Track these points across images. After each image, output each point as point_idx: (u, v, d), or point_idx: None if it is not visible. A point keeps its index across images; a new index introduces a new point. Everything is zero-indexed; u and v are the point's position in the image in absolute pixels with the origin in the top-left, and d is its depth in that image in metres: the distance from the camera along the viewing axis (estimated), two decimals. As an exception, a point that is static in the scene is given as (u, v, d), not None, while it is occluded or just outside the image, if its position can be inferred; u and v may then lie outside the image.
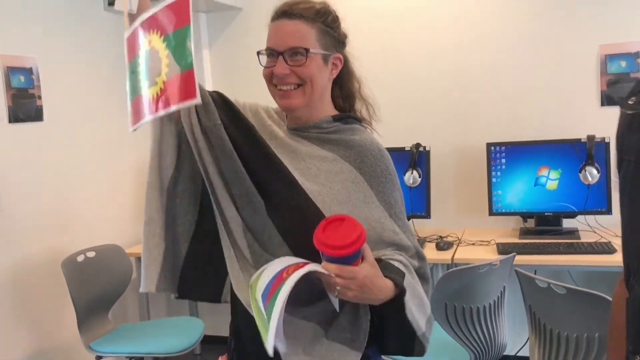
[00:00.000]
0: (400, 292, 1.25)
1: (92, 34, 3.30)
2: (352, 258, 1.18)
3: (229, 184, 1.35)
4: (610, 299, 1.17)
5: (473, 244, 2.93)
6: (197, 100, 1.08)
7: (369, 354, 1.34)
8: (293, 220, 1.31)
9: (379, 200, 1.37)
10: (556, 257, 2.64)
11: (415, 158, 3.07)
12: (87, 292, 2.87)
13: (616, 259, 2.55)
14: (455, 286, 2.30)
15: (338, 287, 1.17)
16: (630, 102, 1.03)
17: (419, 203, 3.12)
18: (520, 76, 3.18)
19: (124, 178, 3.51)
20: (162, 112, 1.12)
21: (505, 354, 2.56)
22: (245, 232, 1.36)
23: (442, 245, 2.86)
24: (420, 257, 1.39)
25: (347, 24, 1.44)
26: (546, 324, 2.13)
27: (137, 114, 1.17)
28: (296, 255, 1.28)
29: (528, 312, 2.23)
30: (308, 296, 1.27)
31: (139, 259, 3.28)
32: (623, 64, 3.01)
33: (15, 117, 2.80)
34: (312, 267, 1.17)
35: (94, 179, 3.29)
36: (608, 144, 2.88)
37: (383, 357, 1.41)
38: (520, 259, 2.59)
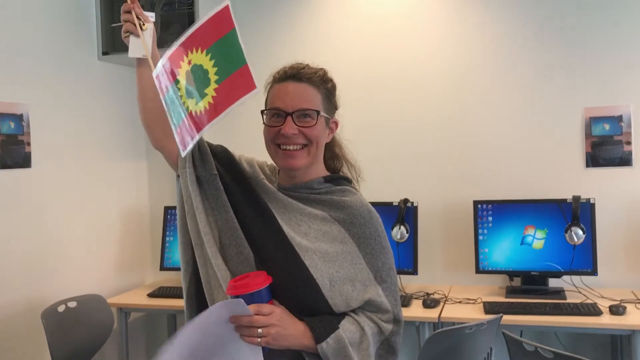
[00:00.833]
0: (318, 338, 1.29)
1: (85, 83, 3.32)
2: (266, 297, 1.27)
3: (220, 234, 1.37)
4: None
5: (460, 302, 2.91)
6: (258, 89, 1.28)
7: None
8: (280, 276, 1.32)
9: (365, 262, 1.39)
10: (543, 318, 2.63)
11: (403, 213, 3.08)
12: (66, 344, 2.79)
13: (603, 321, 2.55)
14: (442, 347, 2.27)
15: (260, 330, 1.22)
16: None
17: (407, 259, 3.12)
18: (507, 136, 3.23)
19: (108, 228, 3.48)
20: (222, 114, 1.27)
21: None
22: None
23: (429, 302, 2.84)
24: (397, 321, 1.41)
25: (339, 76, 1.52)
26: (533, 388, 2.10)
27: (186, 137, 1.25)
28: None
29: (515, 375, 2.20)
30: None
31: (120, 309, 3.24)
32: (607, 126, 3.08)
33: (2, 163, 2.78)
34: (231, 305, 1.23)
35: (78, 227, 3.25)
36: (593, 204, 2.91)
37: None
38: (506, 318, 2.57)
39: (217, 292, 1.34)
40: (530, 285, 3.02)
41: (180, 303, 2.43)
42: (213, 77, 1.26)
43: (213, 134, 1.36)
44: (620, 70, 3.06)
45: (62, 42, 3.17)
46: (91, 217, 3.35)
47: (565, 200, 2.95)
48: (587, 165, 3.12)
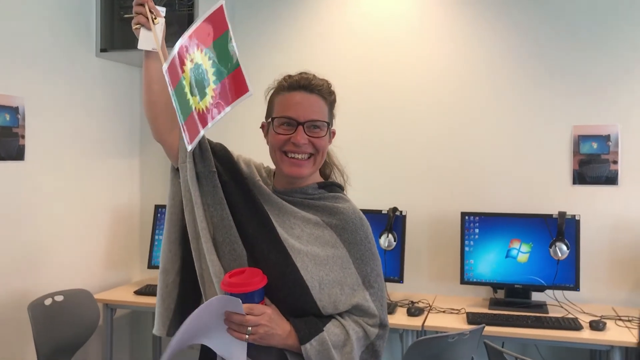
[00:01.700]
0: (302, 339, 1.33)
1: (83, 78, 3.34)
2: (258, 297, 1.31)
3: (214, 230, 1.39)
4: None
5: (444, 312, 2.95)
6: (250, 92, 1.25)
7: None
8: (271, 276, 1.35)
9: (355, 267, 1.42)
10: (524, 331, 2.67)
11: (392, 222, 3.12)
12: (51, 337, 2.80)
13: (583, 335, 2.60)
14: (425, 354, 2.31)
15: (250, 328, 1.27)
16: None
17: (393, 267, 3.16)
18: (497, 150, 3.28)
19: (98, 223, 3.49)
20: (219, 115, 1.27)
21: None
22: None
23: (414, 311, 2.88)
24: (383, 326, 1.45)
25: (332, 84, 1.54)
26: (512, 398, 2.14)
27: (192, 132, 1.26)
28: None
29: (495, 385, 2.24)
30: None
31: (107, 305, 3.25)
32: (595, 145, 3.14)
33: (-4, 154, 2.80)
34: (227, 302, 1.26)
35: (69, 222, 3.27)
36: (578, 221, 2.97)
37: None
38: (489, 329, 2.61)
39: (208, 286, 1.37)
40: (513, 297, 3.06)
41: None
42: (211, 78, 1.27)
43: (212, 133, 1.38)
44: (609, 91, 3.12)
45: (61, 37, 3.19)
46: (82, 212, 3.36)
47: (551, 215, 3.00)
48: (574, 183, 3.17)
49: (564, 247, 2.88)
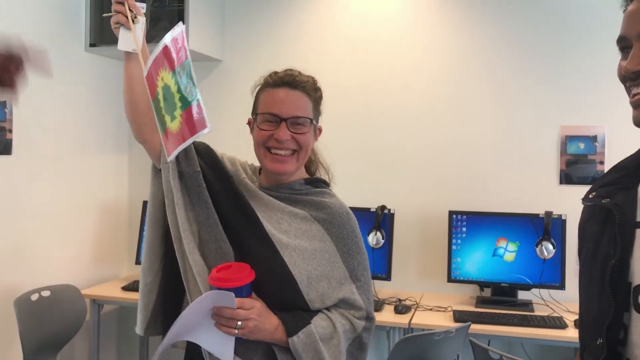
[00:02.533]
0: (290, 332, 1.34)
1: (71, 73, 3.32)
2: (246, 292, 1.31)
3: (200, 229, 1.39)
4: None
5: (430, 309, 2.97)
6: (208, 129, 1.16)
7: None
8: (259, 271, 1.35)
9: (342, 261, 1.43)
10: (510, 329, 2.69)
11: (380, 220, 3.13)
12: (37, 333, 2.79)
13: (568, 334, 2.63)
14: (411, 352, 2.32)
15: (239, 322, 1.27)
16: (590, 196, 1.14)
17: (381, 264, 3.17)
18: (485, 150, 3.30)
19: (86, 219, 3.48)
20: (182, 145, 1.20)
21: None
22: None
23: (401, 308, 2.89)
24: (369, 319, 1.47)
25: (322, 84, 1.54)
26: (497, 395, 2.16)
27: (170, 146, 1.24)
28: None
29: (480, 383, 2.26)
30: None
31: (94, 300, 3.23)
32: (582, 145, 3.17)
33: (-17, 149, 2.78)
34: (219, 297, 1.27)
35: (57, 217, 3.25)
36: (565, 221, 2.99)
37: None
38: (475, 327, 2.63)
39: (193, 285, 1.37)
40: (500, 296, 3.09)
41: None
42: (178, 103, 1.20)
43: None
44: (596, 92, 3.15)
45: (49, 31, 3.17)
46: (70, 207, 3.35)
47: (538, 215, 3.03)
48: (561, 183, 3.20)
49: (550, 247, 2.90)
